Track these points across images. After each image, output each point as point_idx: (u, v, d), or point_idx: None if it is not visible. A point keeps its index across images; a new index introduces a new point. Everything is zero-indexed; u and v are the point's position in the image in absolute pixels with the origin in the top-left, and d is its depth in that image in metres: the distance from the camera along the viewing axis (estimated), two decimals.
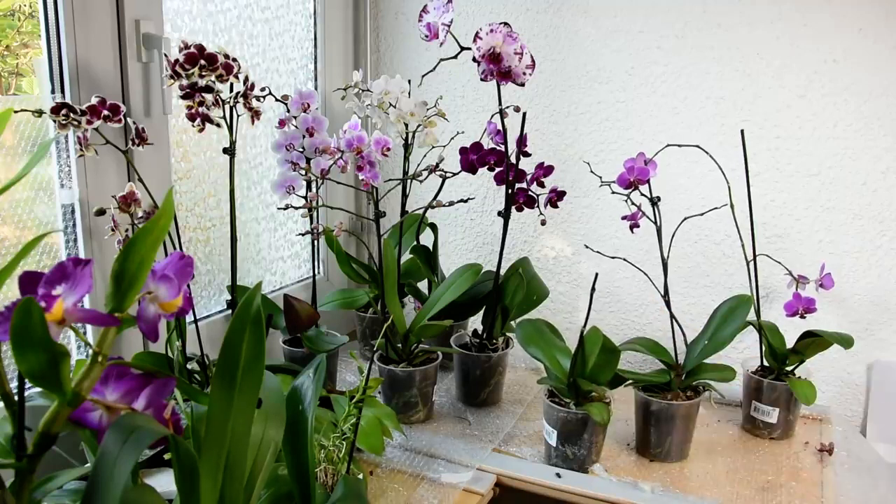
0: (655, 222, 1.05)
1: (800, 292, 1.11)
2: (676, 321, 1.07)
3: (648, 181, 1.03)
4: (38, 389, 0.66)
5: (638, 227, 1.07)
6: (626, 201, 1.06)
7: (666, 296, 1.07)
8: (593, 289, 0.97)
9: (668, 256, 1.06)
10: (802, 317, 1.10)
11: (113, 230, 0.90)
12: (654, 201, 1.05)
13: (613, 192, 1.05)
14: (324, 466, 0.83)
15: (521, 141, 1.11)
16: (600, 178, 1.09)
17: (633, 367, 1.38)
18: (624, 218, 1.08)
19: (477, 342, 1.22)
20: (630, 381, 1.06)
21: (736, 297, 1.10)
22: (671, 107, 1.32)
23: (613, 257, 1.16)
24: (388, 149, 1.14)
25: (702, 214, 1.12)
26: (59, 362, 0.47)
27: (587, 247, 1.19)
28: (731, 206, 1.08)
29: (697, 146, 1.07)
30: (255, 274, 1.34)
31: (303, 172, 1.11)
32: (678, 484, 0.98)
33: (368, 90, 1.14)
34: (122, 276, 0.49)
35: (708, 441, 1.10)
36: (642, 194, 1.05)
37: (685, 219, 1.09)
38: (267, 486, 0.75)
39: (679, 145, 1.08)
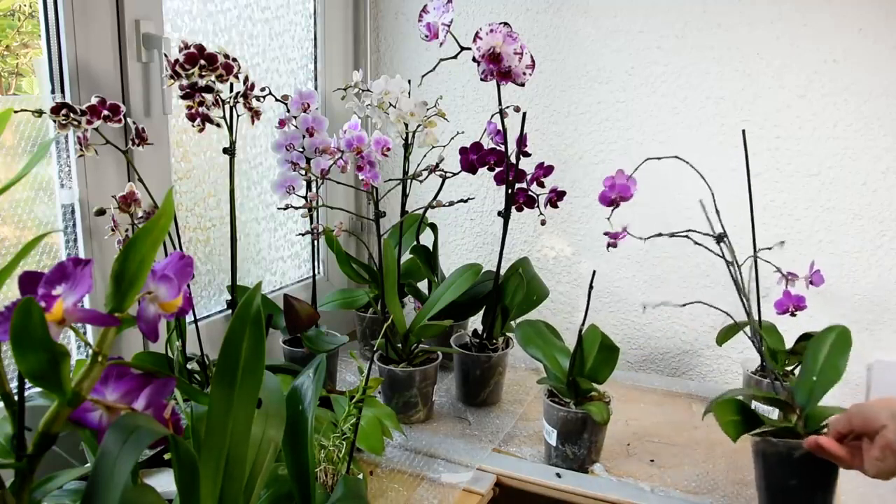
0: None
1: (790, 290, 1.11)
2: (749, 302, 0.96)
3: (629, 198, 0.98)
4: (38, 389, 0.66)
5: (615, 246, 1.01)
6: (608, 219, 1.01)
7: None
8: (591, 287, 0.97)
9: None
10: (793, 314, 1.10)
11: (113, 230, 0.90)
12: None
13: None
14: (324, 466, 0.83)
15: (521, 141, 1.11)
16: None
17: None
18: (606, 234, 1.02)
19: (477, 342, 1.22)
20: (757, 431, 0.90)
21: (832, 329, 0.95)
22: (671, 107, 1.32)
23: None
24: (388, 149, 1.14)
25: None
26: (59, 362, 0.47)
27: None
28: (717, 212, 1.05)
29: (676, 157, 1.02)
30: (255, 274, 1.34)
31: (303, 172, 1.11)
32: (678, 484, 0.98)
33: (368, 90, 1.14)
34: (122, 276, 0.49)
35: (708, 441, 1.10)
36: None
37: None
38: (267, 486, 0.75)
39: (658, 158, 1.01)
